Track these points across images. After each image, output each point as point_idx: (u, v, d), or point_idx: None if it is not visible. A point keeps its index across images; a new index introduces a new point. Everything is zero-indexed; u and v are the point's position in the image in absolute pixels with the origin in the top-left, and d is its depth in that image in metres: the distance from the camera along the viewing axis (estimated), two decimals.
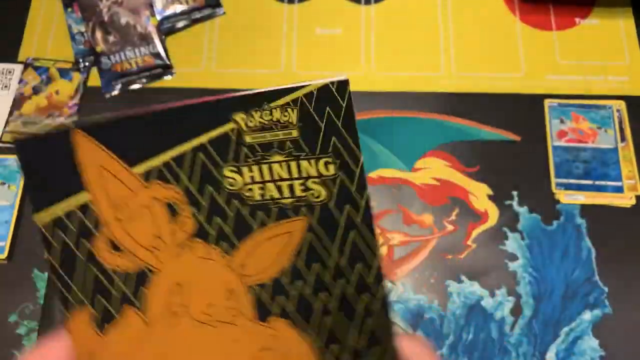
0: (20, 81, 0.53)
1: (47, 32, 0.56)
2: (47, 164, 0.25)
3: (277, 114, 0.26)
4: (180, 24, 0.56)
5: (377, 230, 0.24)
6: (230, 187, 0.26)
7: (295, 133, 0.26)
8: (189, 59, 0.55)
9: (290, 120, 0.26)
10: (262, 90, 0.25)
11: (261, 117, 0.26)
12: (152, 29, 0.55)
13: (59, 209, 0.25)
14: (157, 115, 0.25)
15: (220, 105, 0.25)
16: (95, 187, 0.25)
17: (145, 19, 0.56)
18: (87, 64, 0.54)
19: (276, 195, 0.26)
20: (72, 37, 0.55)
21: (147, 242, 0.26)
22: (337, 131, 0.26)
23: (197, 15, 0.56)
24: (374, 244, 0.26)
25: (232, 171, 0.26)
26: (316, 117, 0.26)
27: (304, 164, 0.26)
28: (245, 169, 0.26)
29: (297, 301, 0.27)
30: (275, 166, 0.26)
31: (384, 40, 0.55)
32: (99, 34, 0.55)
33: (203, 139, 0.25)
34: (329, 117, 0.26)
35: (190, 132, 0.25)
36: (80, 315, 0.26)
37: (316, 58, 0.54)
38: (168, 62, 0.54)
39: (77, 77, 0.54)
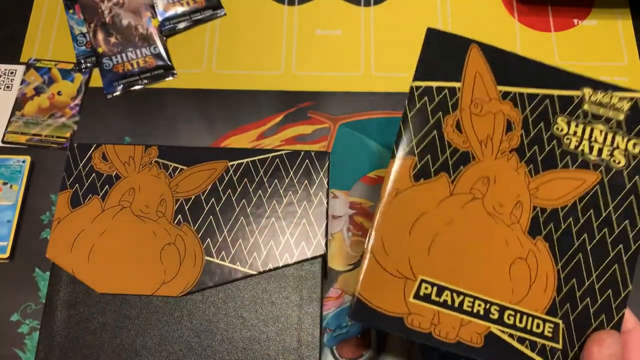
0: (22, 82, 0.54)
1: (49, 33, 0.56)
2: (444, 54, 0.34)
3: (614, 100, 0.34)
4: (181, 25, 0.56)
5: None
6: (556, 130, 0.34)
7: (621, 117, 0.34)
8: (190, 60, 0.55)
9: (622, 108, 0.34)
10: (610, 82, 0.34)
11: (603, 97, 0.34)
12: (153, 30, 0.56)
13: (433, 83, 0.34)
14: (537, 65, 0.35)
15: (576, 78, 0.34)
16: (467, 82, 0.34)
17: (147, 20, 0.56)
18: (88, 64, 0.55)
19: (586, 150, 0.34)
20: (74, 38, 0.56)
21: (481, 136, 0.34)
22: None
23: (198, 16, 0.56)
24: None
25: (563, 121, 0.34)
26: None
27: (618, 138, 0.34)
28: (573, 124, 0.34)
29: (563, 232, 0.33)
30: (596, 132, 0.34)
31: (384, 41, 0.55)
32: (100, 35, 0.55)
33: (555, 92, 0.34)
34: None
35: (548, 84, 0.34)
36: (406, 161, 0.34)
37: (316, 59, 0.54)
38: (169, 63, 0.54)
39: (78, 77, 0.54)
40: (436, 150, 0.34)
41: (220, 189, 0.40)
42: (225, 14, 0.57)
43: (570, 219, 0.33)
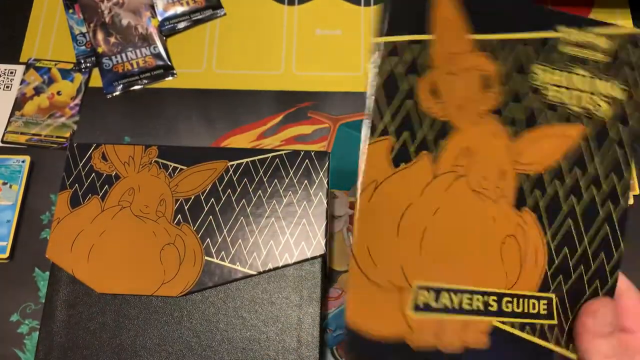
0: (22, 82, 0.54)
1: (49, 33, 0.56)
2: (409, 1, 0.29)
3: (593, 38, 0.30)
4: (181, 25, 0.56)
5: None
6: (533, 82, 0.29)
7: (603, 58, 0.30)
8: (190, 60, 0.55)
9: (605, 48, 0.30)
10: (586, 17, 0.30)
11: (580, 36, 0.30)
12: (153, 30, 0.56)
13: (399, 38, 0.28)
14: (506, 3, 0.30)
15: (549, 14, 0.30)
16: (438, 33, 0.29)
17: (147, 20, 0.56)
18: (88, 64, 0.54)
19: (567, 100, 0.30)
20: (74, 38, 0.55)
21: (458, 99, 0.29)
22: (635, 66, 0.30)
23: (198, 16, 0.56)
24: (631, 158, 0.30)
25: (540, 69, 0.30)
26: (630, 52, 0.30)
27: (599, 82, 0.29)
28: (550, 70, 0.30)
29: (550, 199, 0.30)
30: (575, 77, 0.30)
31: None
32: (100, 35, 0.55)
33: (529, 35, 0.30)
34: (638, 62, 0.30)
35: (521, 26, 0.29)
36: (381, 143, 0.28)
37: (316, 59, 0.54)
38: (169, 63, 0.54)
39: (78, 77, 0.54)
40: (414, 124, 0.28)
41: (220, 189, 0.40)
42: (225, 14, 0.57)
43: (556, 182, 0.30)
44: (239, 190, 0.40)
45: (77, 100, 0.53)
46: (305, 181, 0.41)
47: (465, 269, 0.29)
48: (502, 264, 0.30)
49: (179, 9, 0.56)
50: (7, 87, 0.53)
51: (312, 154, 0.41)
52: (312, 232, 0.39)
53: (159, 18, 0.56)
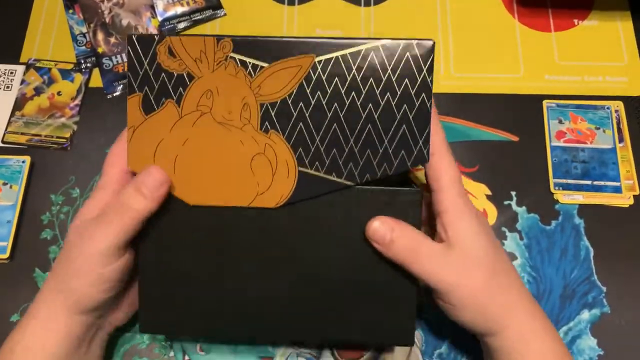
0: (22, 82, 0.54)
1: (49, 33, 0.56)
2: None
3: None
4: (181, 25, 0.56)
5: None
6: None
7: None
8: None
9: None
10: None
11: None
12: (153, 30, 0.56)
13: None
14: None
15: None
16: None
17: (147, 20, 0.56)
18: (88, 65, 0.54)
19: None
20: (74, 38, 0.56)
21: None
22: None
23: (198, 16, 0.56)
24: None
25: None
26: None
27: None
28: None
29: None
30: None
31: None
32: (100, 35, 0.55)
33: None
34: None
35: None
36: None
37: None
38: None
39: (78, 78, 0.54)
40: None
41: (308, 92, 0.35)
42: (225, 14, 0.57)
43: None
44: (329, 92, 0.35)
45: (78, 101, 0.53)
46: (406, 80, 0.35)
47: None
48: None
49: (179, 10, 0.56)
50: (7, 87, 0.53)
51: (414, 44, 0.35)
52: (413, 139, 0.36)
53: (159, 18, 0.56)
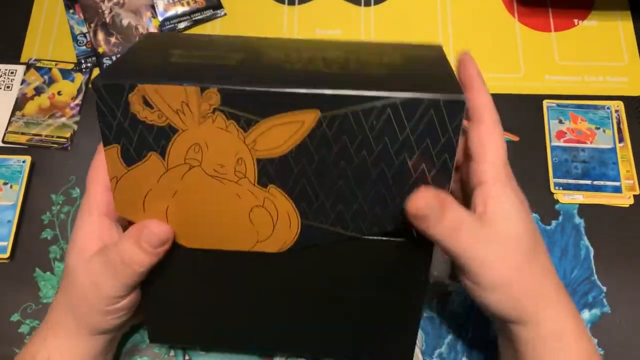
0: (23, 82, 0.54)
1: (49, 33, 0.56)
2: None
3: None
4: (181, 25, 0.56)
5: None
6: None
7: None
8: None
9: None
10: None
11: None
12: (153, 30, 0.56)
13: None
14: None
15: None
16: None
17: (147, 20, 0.56)
18: (89, 64, 0.55)
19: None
20: (74, 38, 0.56)
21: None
22: None
23: (198, 16, 0.56)
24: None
25: None
26: None
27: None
28: None
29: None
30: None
31: None
32: (100, 35, 0.55)
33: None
34: None
35: None
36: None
37: None
38: None
39: (79, 77, 0.54)
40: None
41: (312, 149, 0.31)
42: (225, 14, 0.57)
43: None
44: (336, 149, 0.31)
45: (78, 100, 0.53)
46: (428, 140, 0.30)
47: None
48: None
49: (180, 9, 0.56)
50: (8, 87, 0.53)
51: (442, 102, 0.29)
52: None
53: (160, 18, 0.56)
